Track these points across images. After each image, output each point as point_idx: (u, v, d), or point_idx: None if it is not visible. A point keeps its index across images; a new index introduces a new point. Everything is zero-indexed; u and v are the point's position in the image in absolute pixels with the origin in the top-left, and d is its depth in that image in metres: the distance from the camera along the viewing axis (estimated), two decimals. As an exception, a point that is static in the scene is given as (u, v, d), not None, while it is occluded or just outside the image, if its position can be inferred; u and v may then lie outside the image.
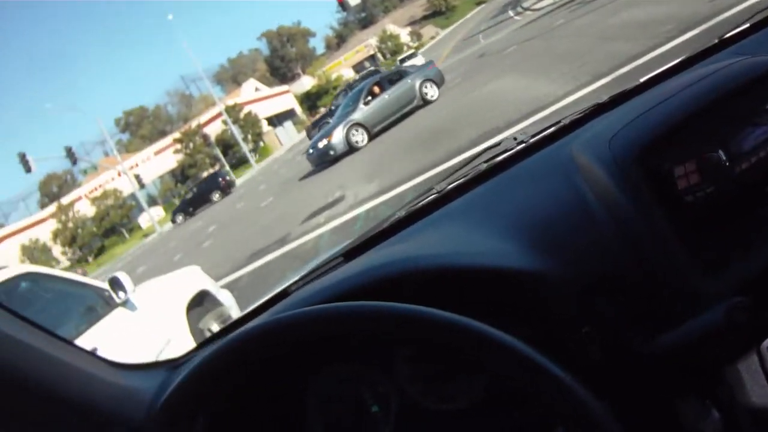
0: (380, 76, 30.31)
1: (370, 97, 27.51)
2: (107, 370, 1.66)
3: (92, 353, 1.66)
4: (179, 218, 62.16)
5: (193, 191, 64.43)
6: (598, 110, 2.21)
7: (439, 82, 28.01)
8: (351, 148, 26.47)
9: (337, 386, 1.76)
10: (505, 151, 2.29)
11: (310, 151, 28.61)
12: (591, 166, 1.73)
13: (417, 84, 27.30)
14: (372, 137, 26.62)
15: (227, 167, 76.05)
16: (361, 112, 27.11)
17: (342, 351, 1.73)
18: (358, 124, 26.88)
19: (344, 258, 2.21)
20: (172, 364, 1.97)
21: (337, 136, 26.62)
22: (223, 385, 1.41)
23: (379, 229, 2.28)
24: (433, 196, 2.30)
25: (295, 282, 2.23)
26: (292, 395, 1.78)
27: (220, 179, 62.23)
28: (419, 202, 2.34)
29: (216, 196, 60.36)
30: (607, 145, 1.70)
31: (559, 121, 2.26)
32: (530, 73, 19.50)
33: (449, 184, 2.32)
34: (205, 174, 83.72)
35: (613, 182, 1.63)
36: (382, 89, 27.87)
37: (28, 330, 1.46)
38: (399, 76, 28.50)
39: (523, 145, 2.25)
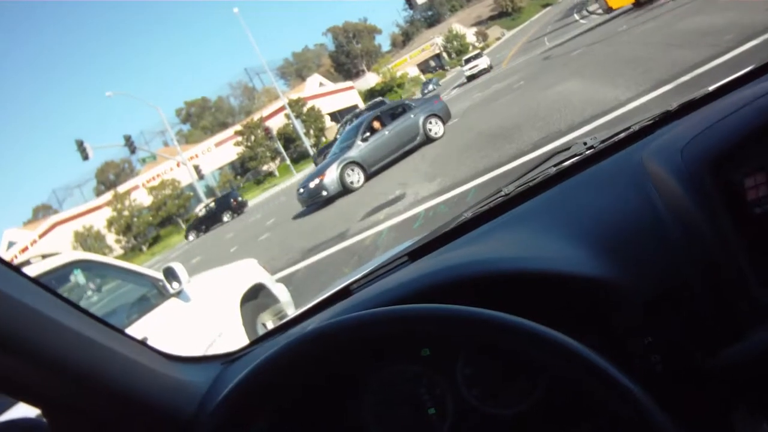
0: (381, 109, 28.60)
1: (368, 133, 26.12)
2: (159, 361, 1.72)
3: (144, 343, 1.70)
4: (191, 236, 61.54)
5: (207, 208, 63.30)
6: (667, 118, 2.17)
7: (444, 117, 26.67)
8: (345, 189, 24.74)
9: (395, 386, 1.73)
10: (574, 155, 2.29)
11: (300, 190, 26.76)
12: (663, 175, 1.72)
13: (421, 120, 25.89)
14: (369, 177, 25.32)
15: (288, 161, 76.14)
16: (358, 150, 25.46)
17: (402, 351, 1.71)
18: (354, 163, 25.20)
19: (409, 258, 2.22)
20: (227, 359, 2.08)
21: (330, 176, 24.80)
22: (285, 385, 1.44)
23: (446, 230, 2.27)
24: (500, 199, 2.29)
25: (357, 280, 2.25)
26: (350, 394, 1.75)
27: (232, 200, 61.21)
28: (487, 204, 2.33)
29: (226, 216, 59.42)
30: (680, 153, 1.68)
31: (629, 128, 2.24)
32: (594, 77, 19.70)
33: (517, 187, 2.31)
34: (265, 167, 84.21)
35: (684, 192, 1.62)
36: (383, 124, 26.39)
37: (80, 318, 1.51)
38: (402, 109, 27.01)
39: (593, 150, 2.23)
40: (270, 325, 7.64)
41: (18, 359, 1.34)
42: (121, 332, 1.63)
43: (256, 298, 8.12)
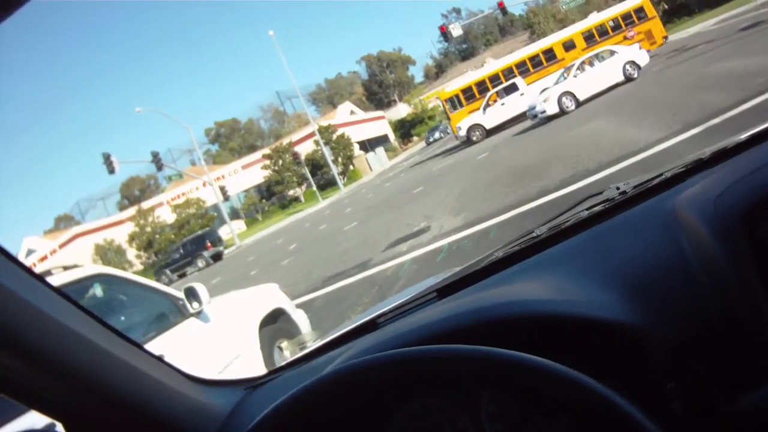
0: None
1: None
2: (181, 381, 1.77)
3: (167, 363, 1.74)
4: (164, 277, 54.37)
5: (179, 251, 57.61)
6: (700, 166, 2.18)
7: None
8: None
9: (419, 421, 1.68)
10: (607, 200, 2.30)
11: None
12: (695, 224, 1.72)
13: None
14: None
15: (314, 187, 76.26)
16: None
17: (427, 387, 1.64)
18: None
19: (438, 295, 2.23)
20: (250, 384, 2.11)
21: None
22: (315, 418, 1.44)
23: (476, 268, 2.27)
24: (532, 240, 2.29)
25: (385, 314, 2.27)
26: (375, 427, 1.69)
27: (207, 243, 55.55)
28: (518, 245, 2.33)
29: (200, 262, 54.67)
30: (713, 204, 1.68)
31: (661, 174, 2.26)
32: (623, 118, 19.94)
33: (549, 229, 2.32)
34: (291, 192, 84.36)
35: (716, 242, 1.61)
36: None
37: (102, 332, 1.55)
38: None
39: (625, 195, 2.24)
40: (287, 351, 7.72)
41: (37, 368, 1.38)
42: (144, 349, 1.67)
43: (275, 322, 8.14)
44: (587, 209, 2.33)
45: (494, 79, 46.76)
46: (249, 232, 74.91)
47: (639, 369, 1.62)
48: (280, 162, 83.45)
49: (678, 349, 1.60)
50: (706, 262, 1.65)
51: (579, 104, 31.61)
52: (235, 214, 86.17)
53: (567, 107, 31.44)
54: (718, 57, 23.55)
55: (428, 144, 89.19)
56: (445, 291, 2.23)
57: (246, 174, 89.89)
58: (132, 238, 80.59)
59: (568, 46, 46.29)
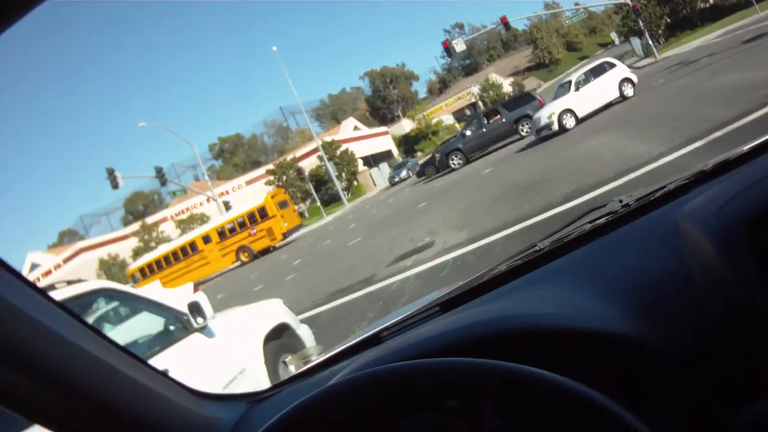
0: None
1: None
2: (185, 395, 1.78)
3: (170, 377, 1.76)
4: None
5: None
6: (702, 177, 2.19)
7: None
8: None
9: None
10: (610, 213, 2.31)
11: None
12: (697, 236, 1.73)
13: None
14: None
15: (318, 203, 76.20)
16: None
17: (430, 401, 1.59)
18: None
19: (441, 309, 2.25)
20: (253, 399, 2.13)
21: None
22: (317, 430, 1.43)
23: (479, 282, 2.29)
24: (535, 254, 2.29)
25: (388, 328, 2.31)
26: None
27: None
28: (521, 259, 2.33)
29: None
30: (715, 216, 1.68)
31: (664, 186, 2.27)
32: (626, 132, 19.97)
33: (552, 243, 2.33)
34: (295, 208, 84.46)
35: (718, 254, 1.61)
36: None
37: (106, 347, 1.56)
38: None
39: (628, 208, 2.25)
40: (292, 366, 7.65)
41: (39, 382, 1.39)
42: (147, 364, 1.70)
43: (279, 337, 8.14)
44: (590, 222, 2.34)
45: (170, 256, 57.60)
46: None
47: (642, 381, 1.62)
48: (284, 178, 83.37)
49: (681, 361, 1.60)
50: (708, 275, 1.65)
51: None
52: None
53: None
54: (721, 70, 23.59)
55: (392, 184, 77.33)
56: (448, 305, 2.24)
57: (250, 190, 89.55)
58: (136, 252, 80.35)
59: (206, 239, 56.41)
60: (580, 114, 31.65)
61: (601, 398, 1.23)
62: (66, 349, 1.46)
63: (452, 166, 44.67)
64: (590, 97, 32.12)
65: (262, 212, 53.78)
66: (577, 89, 32.54)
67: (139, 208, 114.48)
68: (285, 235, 54.03)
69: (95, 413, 1.48)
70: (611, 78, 32.51)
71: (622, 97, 32.13)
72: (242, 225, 54.66)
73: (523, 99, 43.91)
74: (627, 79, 32.16)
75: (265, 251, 54.16)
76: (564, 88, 33.89)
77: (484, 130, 43.24)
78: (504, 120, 42.32)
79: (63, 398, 1.44)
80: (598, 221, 2.31)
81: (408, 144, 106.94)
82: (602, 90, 31.84)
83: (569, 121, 31.09)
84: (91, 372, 1.50)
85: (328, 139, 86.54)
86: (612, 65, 33.29)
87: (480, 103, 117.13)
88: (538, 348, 1.67)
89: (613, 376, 1.62)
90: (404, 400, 1.48)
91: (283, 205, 55.26)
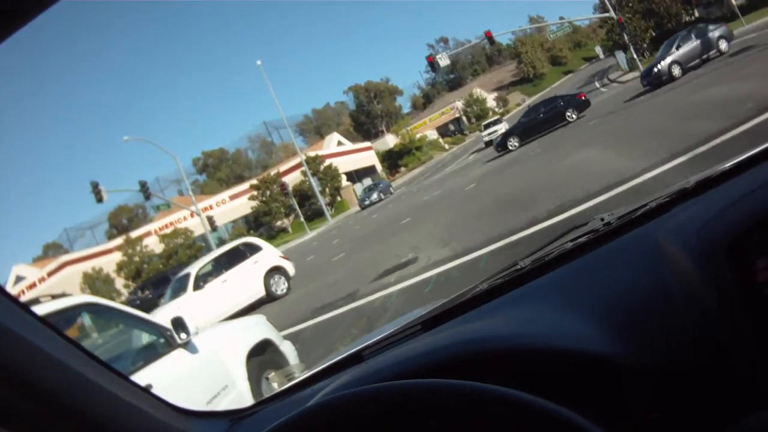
0: None
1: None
2: (167, 412, 1.79)
3: (152, 394, 1.75)
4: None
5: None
6: (684, 195, 2.21)
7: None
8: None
9: None
10: (591, 231, 2.34)
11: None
12: (678, 256, 1.73)
13: None
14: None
15: (302, 218, 76.20)
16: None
17: (411, 421, 1.52)
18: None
19: (422, 327, 2.27)
20: (235, 416, 2.16)
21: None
22: None
23: (460, 300, 2.31)
24: (516, 273, 2.32)
25: (370, 346, 2.31)
26: None
27: None
28: (502, 277, 2.36)
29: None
30: (696, 235, 1.68)
31: (645, 205, 2.28)
32: (610, 147, 20.12)
33: (534, 261, 2.35)
34: (279, 223, 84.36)
35: (699, 273, 1.62)
36: None
37: (88, 362, 1.55)
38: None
39: (609, 227, 2.27)
40: (275, 382, 7.74)
41: (19, 396, 1.38)
42: (130, 381, 1.69)
43: (262, 354, 8.19)
44: (571, 241, 2.35)
45: None
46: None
47: (624, 400, 1.63)
48: (268, 193, 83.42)
49: (663, 379, 1.61)
50: (689, 293, 1.66)
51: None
52: (222, 245, 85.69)
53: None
54: (700, 85, 23.81)
55: (363, 208, 71.80)
56: (430, 323, 2.26)
57: (234, 204, 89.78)
58: (120, 267, 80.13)
59: None
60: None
61: (578, 419, 1.21)
62: (48, 364, 1.46)
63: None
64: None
65: None
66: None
67: (123, 222, 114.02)
68: None
69: (77, 429, 1.47)
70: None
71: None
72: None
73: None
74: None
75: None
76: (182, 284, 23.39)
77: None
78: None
79: (44, 414, 1.43)
80: (579, 240, 2.33)
81: (392, 159, 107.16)
82: None
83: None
84: (73, 388, 1.49)
85: (311, 154, 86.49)
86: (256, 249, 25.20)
87: (464, 118, 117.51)
88: (519, 368, 1.68)
89: (595, 395, 1.63)
90: (385, 421, 1.45)
91: None
